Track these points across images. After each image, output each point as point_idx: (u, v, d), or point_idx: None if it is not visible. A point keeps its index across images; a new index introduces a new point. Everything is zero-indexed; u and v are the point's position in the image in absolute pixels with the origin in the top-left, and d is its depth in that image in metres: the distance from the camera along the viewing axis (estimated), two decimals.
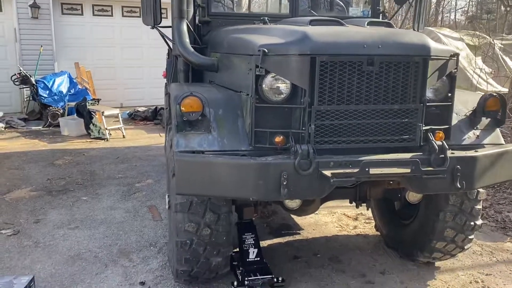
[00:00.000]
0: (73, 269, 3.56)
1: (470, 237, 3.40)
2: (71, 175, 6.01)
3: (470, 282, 3.50)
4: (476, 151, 2.82)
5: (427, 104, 2.77)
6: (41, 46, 10.13)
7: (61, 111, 9.38)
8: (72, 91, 9.78)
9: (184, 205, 2.88)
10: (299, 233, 4.31)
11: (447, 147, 2.67)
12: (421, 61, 2.68)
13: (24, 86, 9.61)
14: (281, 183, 2.48)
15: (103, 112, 8.41)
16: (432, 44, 2.75)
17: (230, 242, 3.07)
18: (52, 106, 9.35)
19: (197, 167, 2.58)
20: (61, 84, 9.63)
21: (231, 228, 3.05)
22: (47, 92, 9.38)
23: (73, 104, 9.13)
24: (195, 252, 2.97)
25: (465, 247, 3.47)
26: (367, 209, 4.00)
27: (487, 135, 3.06)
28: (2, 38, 10.14)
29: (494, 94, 3.08)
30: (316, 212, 3.63)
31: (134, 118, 10.36)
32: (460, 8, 23.76)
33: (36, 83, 9.37)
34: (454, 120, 2.97)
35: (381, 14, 4.51)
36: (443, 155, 2.64)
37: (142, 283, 3.36)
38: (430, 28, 12.18)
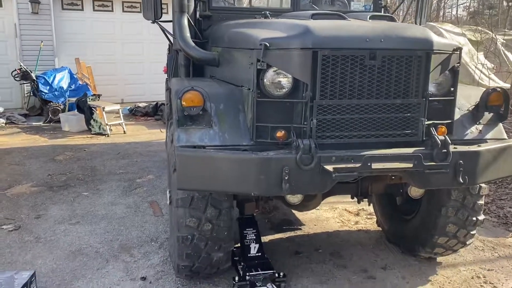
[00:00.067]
0: (74, 264, 3.56)
1: (472, 232, 3.40)
2: (72, 171, 6.00)
3: (472, 278, 3.50)
4: (478, 146, 2.81)
5: (430, 98, 2.74)
6: (42, 41, 10.10)
7: (62, 106, 9.36)
8: (73, 86, 9.76)
9: (185, 200, 2.87)
10: (300, 229, 4.30)
11: (449, 141, 2.66)
12: (424, 55, 2.66)
13: (25, 82, 9.61)
14: (282, 178, 2.47)
15: (103, 108, 8.40)
16: (435, 38, 2.73)
17: (231, 237, 3.07)
18: (52, 102, 9.34)
19: (198, 162, 2.58)
20: (62, 80, 9.62)
21: (232, 223, 3.05)
22: (48, 87, 9.38)
23: (73, 99, 9.09)
24: (196, 247, 2.97)
25: (467, 243, 3.46)
26: (369, 205, 3.99)
27: (490, 130, 3.04)
28: (2, 34, 10.10)
29: (497, 88, 3.05)
30: (318, 207, 3.62)
31: (134, 113, 10.34)
32: (462, 4, 23.69)
33: (37, 78, 9.36)
34: (457, 114, 2.95)
35: (383, 9, 4.49)
36: (445, 150, 2.63)
37: (143, 278, 3.36)
38: (432, 23, 12.12)
